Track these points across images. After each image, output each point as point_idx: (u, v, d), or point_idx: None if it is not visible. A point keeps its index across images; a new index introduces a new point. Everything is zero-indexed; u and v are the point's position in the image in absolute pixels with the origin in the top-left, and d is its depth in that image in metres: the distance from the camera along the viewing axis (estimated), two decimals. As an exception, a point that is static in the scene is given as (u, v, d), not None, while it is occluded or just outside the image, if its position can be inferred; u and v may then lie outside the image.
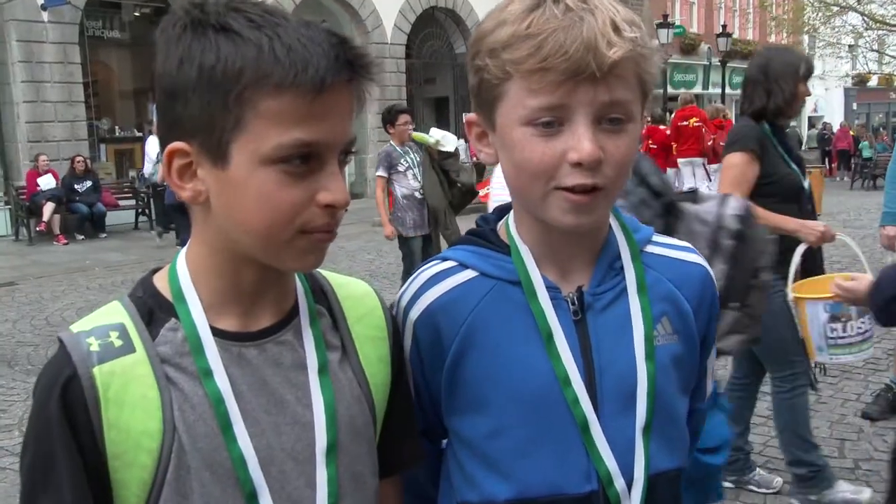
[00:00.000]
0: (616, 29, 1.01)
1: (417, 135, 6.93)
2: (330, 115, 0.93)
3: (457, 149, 6.89)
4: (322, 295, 1.13)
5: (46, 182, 13.90)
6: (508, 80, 1.05)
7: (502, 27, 1.04)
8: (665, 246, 1.23)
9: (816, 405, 5.04)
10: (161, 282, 1.04)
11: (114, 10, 17.03)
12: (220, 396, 0.98)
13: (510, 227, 1.19)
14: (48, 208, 13.67)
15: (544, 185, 1.05)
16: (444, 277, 1.18)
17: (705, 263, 1.25)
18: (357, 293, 1.17)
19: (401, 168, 6.88)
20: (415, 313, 1.18)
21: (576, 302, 1.14)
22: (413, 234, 6.91)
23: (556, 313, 1.13)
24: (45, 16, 14.58)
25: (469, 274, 1.18)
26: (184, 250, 1.05)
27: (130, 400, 0.96)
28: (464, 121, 1.25)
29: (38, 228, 13.87)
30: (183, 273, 1.03)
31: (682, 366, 1.19)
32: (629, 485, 1.12)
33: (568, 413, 1.11)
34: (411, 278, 1.23)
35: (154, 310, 1.01)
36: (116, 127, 17.40)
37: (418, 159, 6.93)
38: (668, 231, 1.92)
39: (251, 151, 0.92)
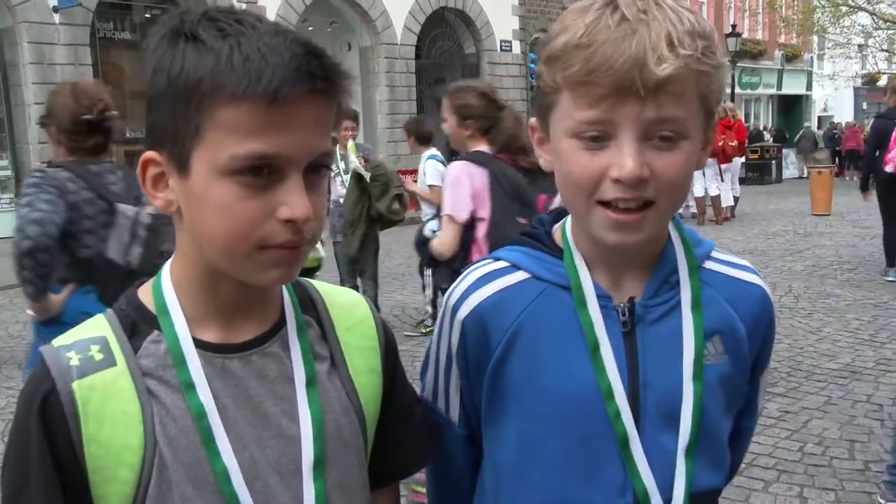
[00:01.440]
0: (670, 44, 0.96)
1: (351, 146, 6.84)
2: (290, 128, 0.90)
3: (386, 173, 6.72)
4: (311, 305, 1.11)
5: (58, 183, 13.96)
6: (559, 91, 1.03)
7: (562, 34, 1.02)
8: (724, 263, 1.20)
9: (827, 406, 5.03)
10: (145, 294, 1.04)
11: (124, 12, 17.10)
12: (203, 410, 0.97)
13: (566, 230, 1.17)
14: (59, 209, 13.72)
15: (587, 199, 1.03)
16: (494, 277, 1.16)
17: (764, 284, 1.21)
18: (347, 303, 1.15)
19: (332, 172, 6.77)
20: (463, 312, 1.16)
21: (626, 313, 1.11)
22: (334, 240, 6.85)
23: (606, 323, 1.11)
24: (56, 17, 14.66)
25: (521, 276, 1.15)
26: (168, 262, 1.05)
27: (110, 414, 0.95)
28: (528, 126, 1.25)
29: (49, 229, 13.92)
30: (167, 285, 1.02)
31: (730, 386, 1.16)
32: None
33: (608, 427, 1.09)
34: (461, 277, 1.20)
35: (137, 322, 1.01)
36: (127, 128, 17.47)
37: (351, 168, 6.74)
38: (108, 223, 2.94)
39: (208, 162, 0.90)
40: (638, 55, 0.95)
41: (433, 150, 6.94)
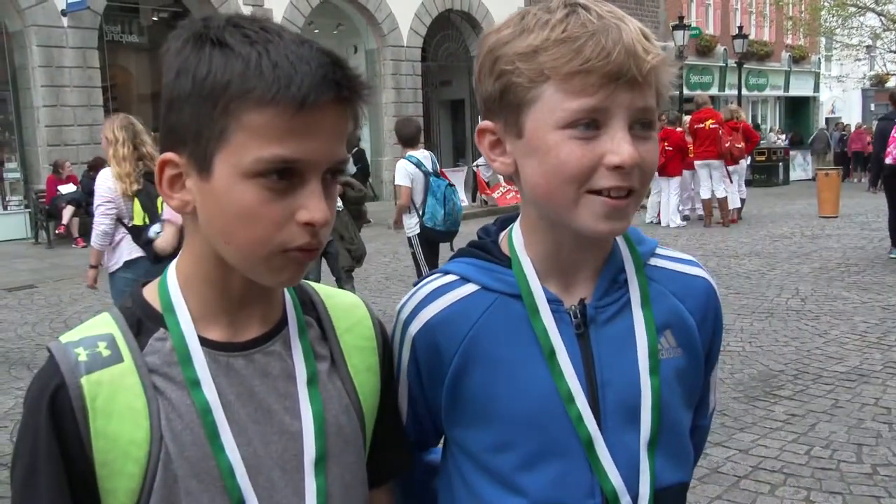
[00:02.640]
0: (646, 37, 1.03)
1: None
2: (313, 134, 0.93)
3: (366, 195, 7.15)
4: (311, 306, 1.13)
5: (67, 188, 14.07)
6: (543, 83, 1.03)
7: (528, 33, 1.03)
8: (669, 259, 1.22)
9: (834, 409, 5.01)
10: (151, 293, 1.05)
11: (132, 15, 17.18)
12: (208, 406, 0.99)
13: (513, 238, 1.18)
14: (67, 212, 13.81)
15: (577, 189, 1.04)
16: (444, 292, 1.17)
17: (709, 276, 1.24)
18: (346, 304, 1.18)
19: None
20: (414, 328, 1.17)
21: (578, 315, 1.13)
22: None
23: (559, 327, 1.12)
24: (64, 21, 14.74)
25: (470, 288, 1.16)
26: (174, 262, 1.07)
27: (118, 409, 0.96)
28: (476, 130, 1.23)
29: (57, 231, 14.01)
30: (173, 284, 1.04)
31: (686, 379, 1.18)
32: (634, 501, 1.11)
33: (572, 430, 1.10)
34: (412, 292, 1.21)
35: (143, 320, 1.02)
36: (134, 130, 17.52)
37: None
38: None
39: (232, 164, 0.92)
40: (630, 44, 1.00)
41: (414, 151, 7.11)
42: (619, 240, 1.18)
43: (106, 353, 0.99)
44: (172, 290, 1.04)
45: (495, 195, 17.88)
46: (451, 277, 1.19)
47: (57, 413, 0.95)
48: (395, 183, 6.87)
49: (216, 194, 0.94)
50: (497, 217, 1.28)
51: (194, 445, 0.98)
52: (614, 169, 1.01)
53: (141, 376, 0.98)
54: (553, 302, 1.13)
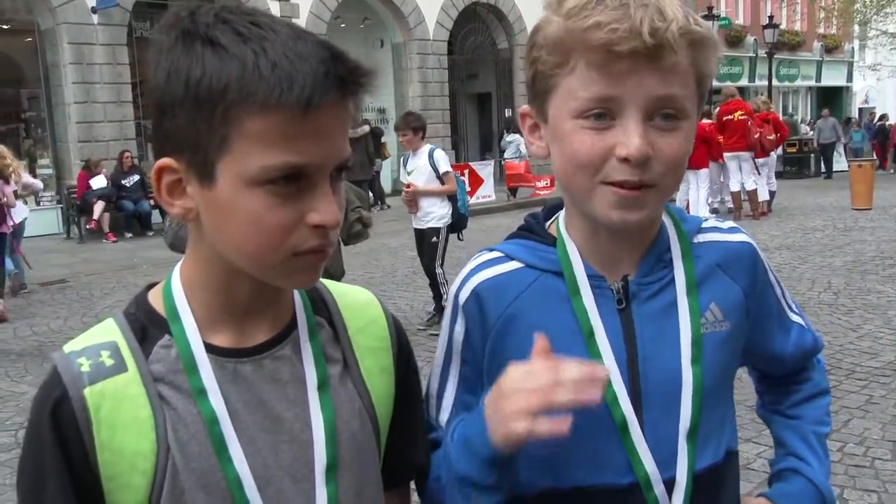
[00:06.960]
0: (677, 16, 1.00)
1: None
2: (320, 135, 0.88)
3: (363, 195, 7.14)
4: (322, 305, 1.10)
5: (97, 182, 14.25)
6: (561, 71, 1.04)
7: (559, 18, 1.03)
8: (713, 231, 1.22)
9: (868, 405, 4.93)
10: (155, 298, 1.02)
11: (161, 11, 17.26)
12: (215, 416, 0.96)
13: (560, 223, 1.20)
14: (98, 207, 13.99)
15: (590, 178, 1.04)
16: (491, 265, 1.19)
17: (750, 239, 1.23)
18: (359, 302, 1.14)
19: None
20: (463, 295, 1.19)
21: (620, 291, 1.13)
22: None
23: (600, 303, 1.12)
24: (94, 18, 14.91)
25: (514, 265, 1.18)
26: (178, 266, 1.03)
27: (122, 420, 0.94)
28: (518, 113, 1.25)
29: (88, 227, 14.20)
30: (177, 289, 1.01)
31: (730, 346, 1.18)
32: (669, 487, 1.10)
33: (606, 411, 1.09)
34: (463, 269, 1.23)
35: (147, 327, 0.99)
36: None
37: None
38: None
39: (236, 173, 0.88)
40: (644, 25, 0.99)
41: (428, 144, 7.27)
42: (667, 219, 1.18)
43: (109, 362, 0.96)
44: (177, 295, 1.00)
45: (539, 185, 17.66)
46: (496, 254, 1.22)
47: (60, 425, 0.93)
48: (443, 171, 6.96)
49: (221, 203, 0.91)
50: (546, 205, 1.28)
51: (201, 456, 0.96)
52: (624, 161, 1.00)
53: (146, 385, 0.96)
54: (595, 278, 1.14)
